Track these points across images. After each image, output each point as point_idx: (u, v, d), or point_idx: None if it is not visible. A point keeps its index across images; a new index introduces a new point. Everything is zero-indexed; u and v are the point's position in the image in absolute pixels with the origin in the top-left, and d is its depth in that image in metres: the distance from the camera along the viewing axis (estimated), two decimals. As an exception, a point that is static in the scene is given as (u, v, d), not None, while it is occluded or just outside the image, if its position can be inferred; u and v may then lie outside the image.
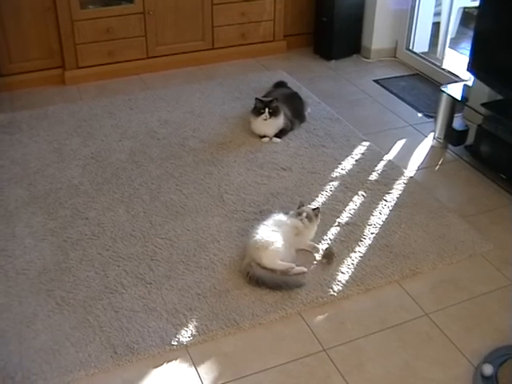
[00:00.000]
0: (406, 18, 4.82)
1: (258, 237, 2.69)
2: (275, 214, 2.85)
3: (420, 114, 4.18)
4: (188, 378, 2.24)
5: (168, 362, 2.30)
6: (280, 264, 2.63)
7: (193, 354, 2.33)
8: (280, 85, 4.21)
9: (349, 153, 3.63)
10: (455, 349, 2.38)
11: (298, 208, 2.84)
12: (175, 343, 2.35)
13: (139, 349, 2.32)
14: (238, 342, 2.39)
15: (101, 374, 2.24)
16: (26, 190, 3.22)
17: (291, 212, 2.87)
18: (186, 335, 2.38)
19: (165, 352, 2.33)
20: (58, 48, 4.34)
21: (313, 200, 3.18)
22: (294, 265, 2.68)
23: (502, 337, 2.43)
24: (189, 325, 2.43)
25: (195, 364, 2.29)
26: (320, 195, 3.23)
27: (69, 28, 4.27)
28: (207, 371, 2.27)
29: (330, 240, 2.91)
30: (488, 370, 2.21)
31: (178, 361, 2.30)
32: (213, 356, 2.33)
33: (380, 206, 3.16)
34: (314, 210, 2.83)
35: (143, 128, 3.85)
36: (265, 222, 2.78)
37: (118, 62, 4.54)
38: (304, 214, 2.77)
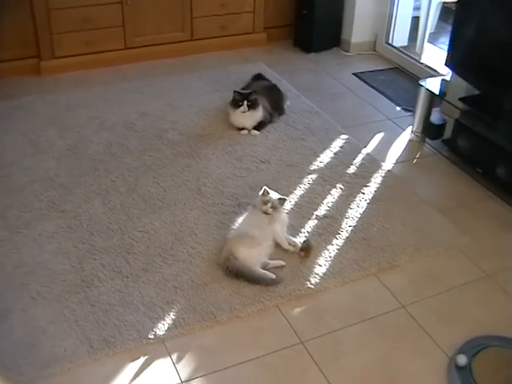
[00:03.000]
0: (386, 12, 4.84)
1: (235, 230, 2.69)
2: (251, 207, 2.85)
3: (398, 108, 4.20)
4: (165, 371, 2.24)
5: (145, 355, 2.29)
6: (256, 256, 2.63)
7: (170, 348, 2.32)
8: (258, 77, 4.20)
9: (327, 146, 3.64)
10: (431, 340, 2.41)
11: (263, 195, 2.78)
12: (152, 337, 2.34)
13: (116, 342, 2.31)
14: (215, 335, 2.39)
15: (77, 369, 2.22)
16: (1, 182, 3.18)
17: (256, 199, 2.83)
18: (163, 328, 2.38)
19: (142, 345, 2.32)
20: (33, 37, 4.26)
21: (291, 192, 3.19)
22: (278, 261, 2.70)
23: (477, 328, 2.46)
24: (166, 318, 2.42)
25: (172, 357, 2.29)
26: (298, 188, 3.24)
27: (45, 16, 4.20)
28: (184, 364, 2.26)
29: (308, 233, 2.92)
30: (462, 360, 2.25)
31: (155, 354, 2.30)
32: (190, 349, 2.33)
33: (358, 199, 3.18)
34: (279, 198, 2.79)
35: (121, 120, 3.82)
36: (243, 216, 2.78)
37: (96, 53, 4.48)
38: (269, 204, 2.75)
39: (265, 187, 2.80)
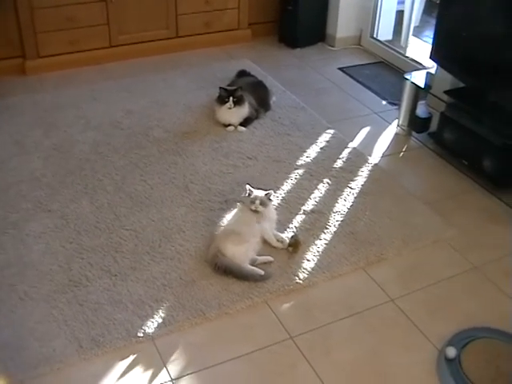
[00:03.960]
0: (371, 7, 4.83)
1: (223, 227, 2.69)
2: (240, 204, 2.84)
3: (384, 102, 4.20)
4: (155, 369, 2.23)
5: (134, 354, 2.28)
6: (244, 253, 2.62)
7: (159, 346, 2.31)
8: (242, 73, 4.19)
9: (314, 141, 3.63)
10: (420, 333, 2.42)
11: (249, 195, 2.76)
12: (141, 335, 2.33)
13: (105, 342, 2.30)
14: (204, 332, 2.38)
15: (66, 369, 2.21)
16: (-13, 182, 3.16)
17: (243, 198, 2.82)
18: (152, 326, 2.37)
19: (131, 344, 2.31)
20: (17, 36, 4.22)
21: (278, 188, 3.18)
22: (266, 257, 2.70)
23: (466, 320, 2.47)
24: (155, 316, 2.41)
25: (162, 355, 2.28)
26: (285, 183, 3.23)
27: (28, 16, 4.16)
28: (174, 362, 2.26)
29: (296, 228, 2.92)
30: (451, 352, 2.25)
31: (144, 352, 2.29)
32: (179, 347, 2.32)
33: (345, 194, 3.18)
34: (266, 194, 2.78)
35: (107, 118, 3.80)
36: (230, 212, 2.78)
37: (81, 51, 4.45)
38: (258, 202, 2.73)
39: (247, 186, 2.78)
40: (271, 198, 2.81)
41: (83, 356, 2.25)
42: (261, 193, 2.77)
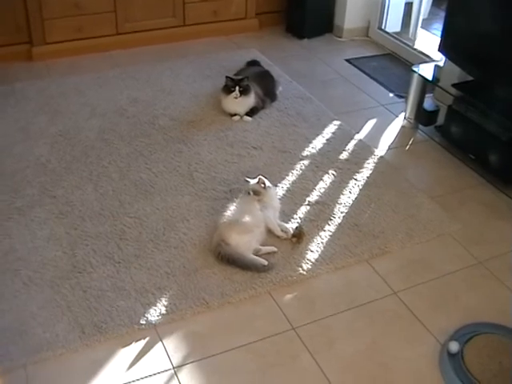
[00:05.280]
0: (379, -2, 4.81)
1: (227, 216, 2.69)
2: (243, 194, 2.84)
3: (391, 94, 4.18)
4: (157, 357, 2.23)
5: (136, 341, 2.29)
6: (248, 242, 2.62)
7: (161, 334, 2.32)
8: (252, 63, 4.18)
9: (320, 132, 3.62)
10: (422, 327, 2.41)
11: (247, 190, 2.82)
12: (144, 322, 2.34)
13: (107, 328, 2.30)
14: (207, 321, 2.39)
15: (69, 354, 2.22)
16: (-8, 168, 3.17)
17: (240, 195, 2.87)
18: (154, 314, 2.37)
19: (133, 331, 2.31)
20: (24, 23, 4.22)
21: (283, 179, 3.18)
22: (270, 247, 2.70)
23: (468, 315, 2.46)
24: (157, 304, 2.41)
25: (164, 343, 2.28)
26: (290, 174, 3.23)
27: (36, 2, 4.15)
28: (176, 350, 2.26)
29: (300, 219, 2.91)
30: (454, 347, 2.24)
31: (146, 340, 2.29)
32: (182, 335, 2.32)
33: (350, 186, 3.17)
34: (257, 181, 2.80)
35: (112, 106, 3.79)
36: (234, 202, 2.78)
37: (87, 38, 4.44)
38: (251, 192, 2.75)
39: (245, 178, 2.81)
40: (267, 183, 2.81)
41: (86, 342, 2.25)
42: (253, 181, 2.79)
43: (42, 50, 4.33)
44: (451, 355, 2.23)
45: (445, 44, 3.47)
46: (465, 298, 2.56)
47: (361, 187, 3.16)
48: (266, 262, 2.60)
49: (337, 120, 3.76)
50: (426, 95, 3.75)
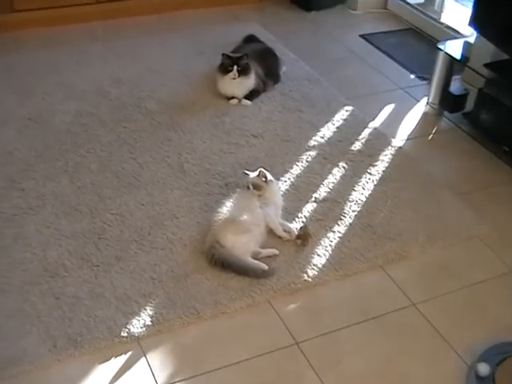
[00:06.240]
0: (399, -37, 4.82)
1: (222, 214, 2.69)
2: (241, 189, 2.85)
3: (412, 76, 4.20)
4: (139, 374, 2.24)
5: (117, 356, 2.29)
6: (246, 244, 2.63)
7: (146, 347, 2.33)
8: (250, 39, 4.19)
9: (329, 119, 3.63)
10: (445, 344, 2.42)
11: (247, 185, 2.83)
12: (125, 334, 2.35)
13: (83, 341, 2.31)
14: (198, 333, 2.40)
15: (38, 371, 2.22)
16: (-48, 155, 3.18)
17: (238, 189, 2.89)
18: (138, 325, 2.38)
19: (113, 345, 2.32)
20: (-12, -13, 4.22)
21: (286, 172, 3.19)
22: (271, 250, 2.71)
23: (498, 331, 2.46)
24: (141, 313, 2.42)
25: (148, 358, 2.29)
26: (295, 167, 3.24)
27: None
28: (162, 367, 2.27)
29: (306, 218, 2.92)
30: (484, 369, 2.22)
31: (128, 355, 2.30)
32: (169, 349, 2.33)
33: (363, 181, 3.18)
34: (258, 174, 2.81)
35: (92, 86, 3.80)
36: (231, 198, 2.79)
37: (63, 7, 4.44)
38: (250, 186, 2.77)
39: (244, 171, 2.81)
40: (268, 177, 2.82)
41: (57, 357, 2.26)
42: (252, 175, 2.80)
43: (9, 19, 4.31)
44: (480, 379, 2.22)
45: (476, 17, 3.46)
46: (495, 312, 2.57)
47: (375, 182, 3.17)
48: (266, 267, 2.61)
49: (349, 105, 3.77)
50: (453, 77, 3.75)
